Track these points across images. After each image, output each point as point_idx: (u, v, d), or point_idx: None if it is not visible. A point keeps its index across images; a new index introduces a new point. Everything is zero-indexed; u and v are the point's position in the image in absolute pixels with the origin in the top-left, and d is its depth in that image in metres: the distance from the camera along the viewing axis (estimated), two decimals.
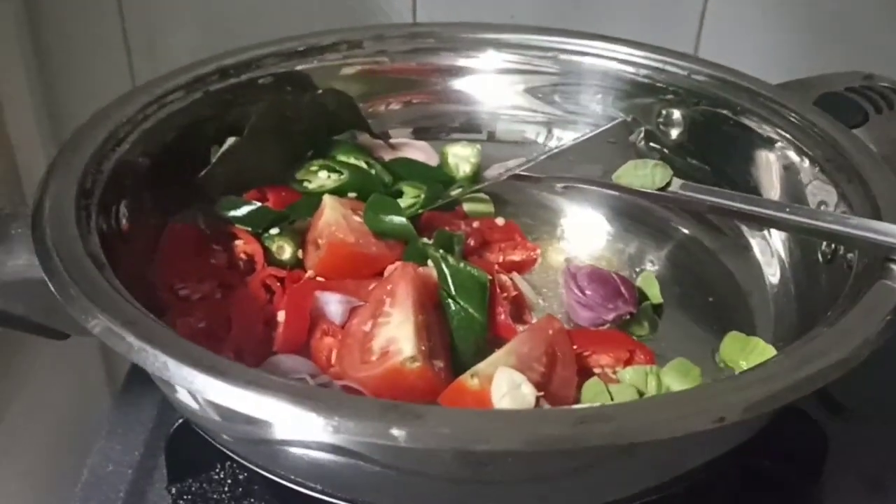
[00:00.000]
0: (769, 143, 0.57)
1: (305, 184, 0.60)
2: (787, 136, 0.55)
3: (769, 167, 0.57)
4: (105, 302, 0.38)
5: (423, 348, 0.44)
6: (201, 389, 0.34)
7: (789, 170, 0.55)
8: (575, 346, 0.48)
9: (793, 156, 0.55)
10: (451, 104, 0.65)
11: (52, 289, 0.40)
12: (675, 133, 0.62)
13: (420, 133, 0.65)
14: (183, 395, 0.41)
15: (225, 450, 0.43)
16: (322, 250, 0.53)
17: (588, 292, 0.52)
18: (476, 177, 0.63)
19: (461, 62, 0.65)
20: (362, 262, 0.53)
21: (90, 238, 0.44)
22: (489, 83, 0.65)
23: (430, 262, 0.51)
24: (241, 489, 0.49)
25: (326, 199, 0.55)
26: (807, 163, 0.54)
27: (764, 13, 0.73)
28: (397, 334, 0.45)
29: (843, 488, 0.51)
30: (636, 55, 0.62)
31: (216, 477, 0.49)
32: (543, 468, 0.37)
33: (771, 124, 0.56)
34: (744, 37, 0.74)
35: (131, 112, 0.54)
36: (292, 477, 0.41)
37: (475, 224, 0.59)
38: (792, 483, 0.50)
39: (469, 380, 0.42)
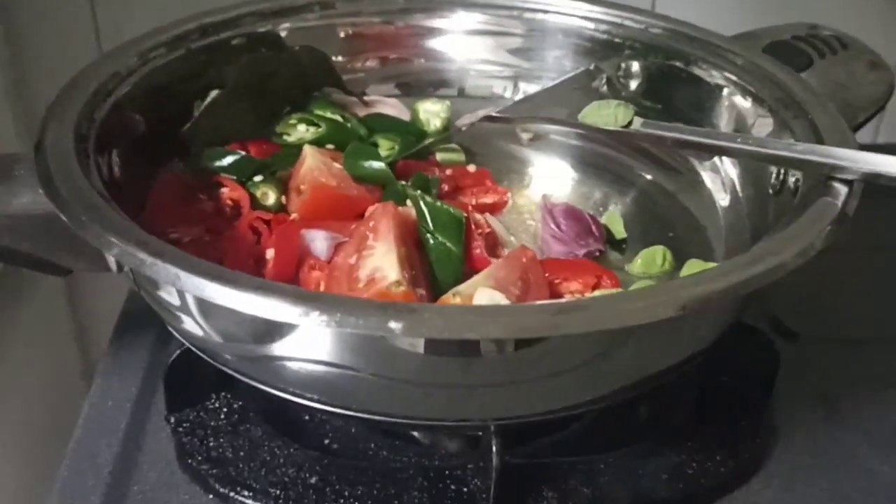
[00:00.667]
0: (719, 89, 0.61)
1: (285, 137, 0.63)
2: (738, 80, 0.59)
3: (720, 110, 0.61)
4: (117, 226, 0.41)
5: (406, 275, 0.47)
6: (213, 296, 0.37)
7: (738, 111, 0.59)
8: (546, 274, 0.52)
9: (740, 99, 0.59)
10: (422, 62, 0.68)
11: (64, 218, 0.42)
12: (633, 84, 0.66)
13: (392, 90, 0.68)
14: (188, 321, 0.43)
15: (225, 368, 0.46)
16: (305, 194, 0.56)
17: (563, 227, 0.56)
18: (446, 131, 0.66)
19: (431, 22, 0.68)
20: (344, 204, 0.56)
21: (92, 175, 0.46)
22: (458, 42, 0.68)
23: (408, 203, 0.55)
24: (236, 416, 0.51)
25: (307, 148, 0.58)
26: (754, 103, 0.58)
27: None
28: (381, 263, 0.48)
29: (794, 401, 0.55)
30: (596, 11, 0.66)
31: (212, 406, 0.52)
32: (522, 368, 0.40)
33: (721, 71, 0.60)
34: None
35: (119, 67, 0.56)
36: (291, 389, 0.44)
37: (448, 171, 0.63)
38: (747, 396, 0.54)
39: (451, 298, 0.46)
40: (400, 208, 0.54)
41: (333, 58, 0.66)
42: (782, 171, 0.53)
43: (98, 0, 0.79)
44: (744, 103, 0.59)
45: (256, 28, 0.64)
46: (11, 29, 0.79)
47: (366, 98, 0.67)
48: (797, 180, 0.51)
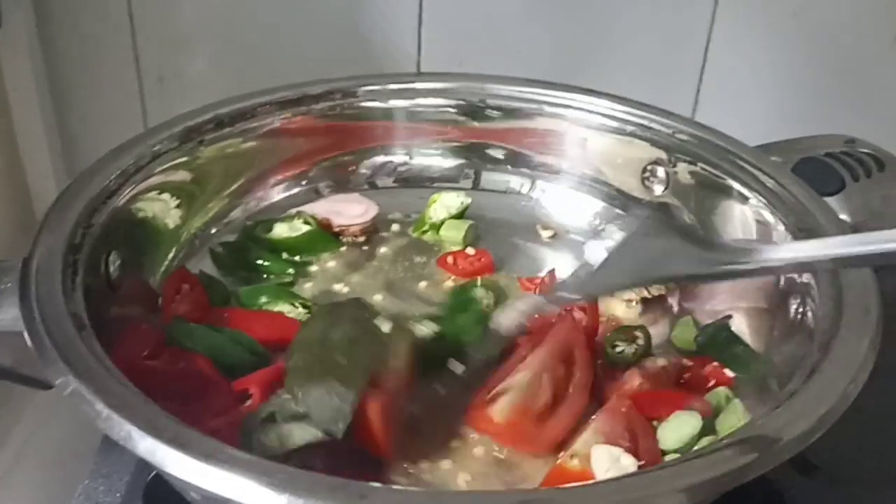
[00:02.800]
0: (745, 204, 0.58)
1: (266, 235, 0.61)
2: (763, 199, 0.56)
3: (745, 225, 0.58)
4: (77, 364, 0.40)
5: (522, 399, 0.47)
6: (164, 462, 0.36)
7: (763, 229, 0.56)
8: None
9: (766, 218, 0.56)
10: (438, 153, 0.67)
11: (32, 348, 0.42)
12: (658, 189, 0.63)
13: (407, 182, 0.67)
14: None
15: None
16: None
17: None
18: (440, 225, 0.64)
19: (449, 113, 0.66)
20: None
21: (74, 296, 0.46)
22: (476, 134, 0.66)
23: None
24: None
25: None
26: (781, 227, 0.55)
27: (761, 74, 0.75)
28: (510, 384, 0.48)
29: None
30: (621, 111, 0.63)
31: None
32: None
33: (748, 187, 0.57)
34: (742, 94, 0.75)
35: (126, 163, 0.56)
36: None
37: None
38: None
39: (569, 461, 0.44)
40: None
41: (346, 151, 0.64)
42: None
43: (141, 45, 0.80)
44: (769, 222, 0.56)
45: (274, 120, 0.63)
46: (53, 75, 0.80)
47: (329, 197, 0.65)
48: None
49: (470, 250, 0.62)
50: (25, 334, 0.43)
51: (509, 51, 0.77)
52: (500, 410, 0.47)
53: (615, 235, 0.57)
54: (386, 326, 0.50)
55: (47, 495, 0.61)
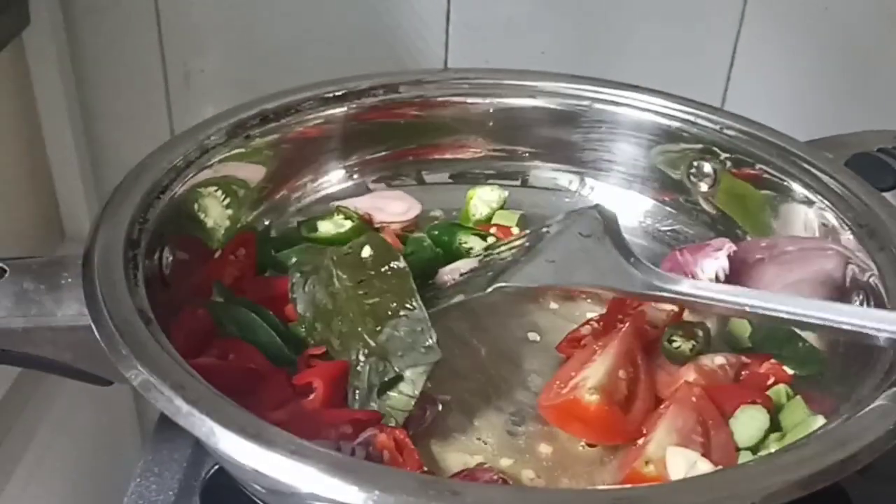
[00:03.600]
0: (797, 201, 0.57)
1: (311, 233, 0.61)
2: (819, 196, 0.56)
3: (798, 224, 0.58)
4: (151, 360, 0.40)
5: (607, 388, 0.47)
6: (246, 458, 0.35)
7: (817, 227, 0.56)
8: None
9: (820, 215, 0.56)
10: (485, 150, 0.66)
11: (104, 346, 0.41)
12: (704, 186, 0.63)
13: (454, 178, 0.66)
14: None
15: (258, 500, 0.44)
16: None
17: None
18: (489, 220, 0.64)
19: (495, 109, 0.66)
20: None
21: (137, 291, 0.45)
22: (523, 130, 0.66)
23: None
24: None
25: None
26: (835, 222, 0.55)
27: (791, 69, 0.75)
28: (590, 373, 0.48)
29: None
30: (669, 107, 0.63)
31: None
32: None
33: (803, 184, 0.57)
34: (772, 91, 0.75)
35: (176, 158, 0.55)
36: None
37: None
38: None
39: (644, 467, 0.44)
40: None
41: (391, 147, 0.64)
42: None
43: (167, 44, 0.80)
44: (824, 220, 0.56)
45: (318, 113, 0.63)
46: (79, 75, 0.79)
47: (371, 193, 0.65)
48: None
49: (515, 230, 0.62)
50: (94, 330, 0.42)
51: (534, 49, 0.77)
52: (592, 395, 0.47)
53: None
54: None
55: (76, 490, 0.61)
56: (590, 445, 0.49)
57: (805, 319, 0.45)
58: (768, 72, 0.77)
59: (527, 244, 0.55)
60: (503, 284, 0.51)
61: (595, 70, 0.71)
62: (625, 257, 0.51)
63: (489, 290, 0.51)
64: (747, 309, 0.47)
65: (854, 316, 0.44)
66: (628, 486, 0.43)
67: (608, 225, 0.54)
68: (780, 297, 0.47)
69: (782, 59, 0.77)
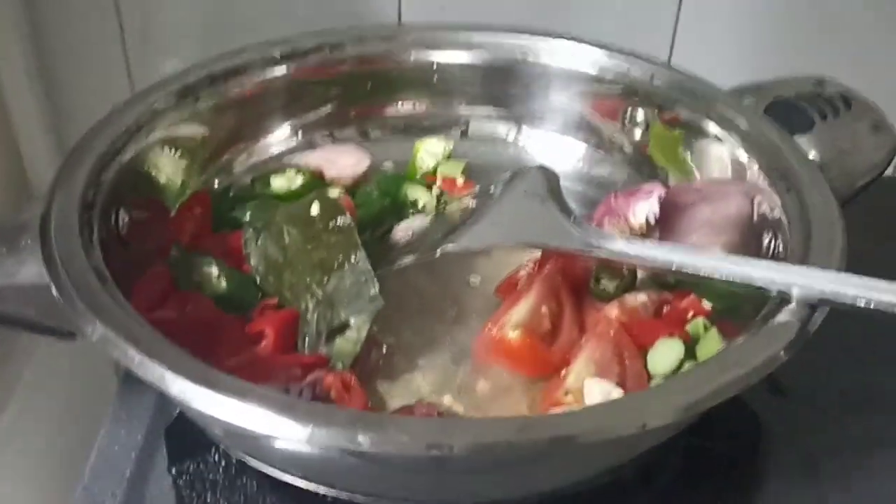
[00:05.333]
0: (720, 145, 0.61)
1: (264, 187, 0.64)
2: (739, 142, 0.60)
3: (720, 166, 0.61)
4: (106, 315, 0.43)
5: (528, 324, 0.51)
6: (194, 401, 0.39)
7: (737, 169, 0.60)
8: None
9: (741, 158, 0.60)
10: (424, 103, 0.69)
11: (62, 304, 0.45)
12: (638, 133, 0.66)
13: (398, 132, 0.69)
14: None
15: (216, 441, 0.48)
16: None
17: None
18: (435, 171, 0.67)
19: (434, 62, 0.68)
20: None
21: (93, 251, 0.48)
22: (460, 83, 0.68)
23: None
24: (234, 470, 0.54)
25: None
26: (751, 167, 0.58)
27: (737, 16, 0.77)
28: (514, 311, 0.53)
29: (779, 465, 0.56)
30: (602, 56, 0.66)
31: (212, 459, 0.55)
32: (500, 463, 0.42)
33: (722, 129, 0.60)
34: (718, 37, 0.77)
35: (128, 122, 0.58)
36: (275, 465, 0.46)
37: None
38: (732, 461, 0.56)
39: (563, 397, 0.48)
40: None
41: (337, 104, 0.67)
42: None
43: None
44: (739, 163, 0.59)
45: (264, 75, 0.65)
46: (37, 32, 0.80)
47: (323, 147, 0.67)
48: None
49: (460, 180, 0.66)
50: (53, 289, 0.45)
51: (487, 3, 0.79)
52: (514, 331, 0.51)
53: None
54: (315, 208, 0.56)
55: (64, 440, 0.64)
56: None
57: (718, 275, 0.50)
58: (715, 19, 0.79)
59: (474, 203, 0.59)
60: (451, 246, 0.54)
61: (547, 15, 0.73)
62: (565, 216, 0.55)
63: (438, 252, 0.54)
64: (673, 267, 0.51)
65: (764, 270, 0.48)
66: (537, 415, 0.47)
67: (550, 184, 0.57)
68: (702, 256, 0.51)
69: (728, 5, 0.79)
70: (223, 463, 0.54)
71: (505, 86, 0.68)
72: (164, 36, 0.82)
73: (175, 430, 0.55)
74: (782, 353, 0.43)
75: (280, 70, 0.65)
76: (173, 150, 0.61)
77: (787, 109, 0.61)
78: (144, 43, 0.83)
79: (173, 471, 0.54)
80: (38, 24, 0.81)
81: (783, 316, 0.45)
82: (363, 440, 0.37)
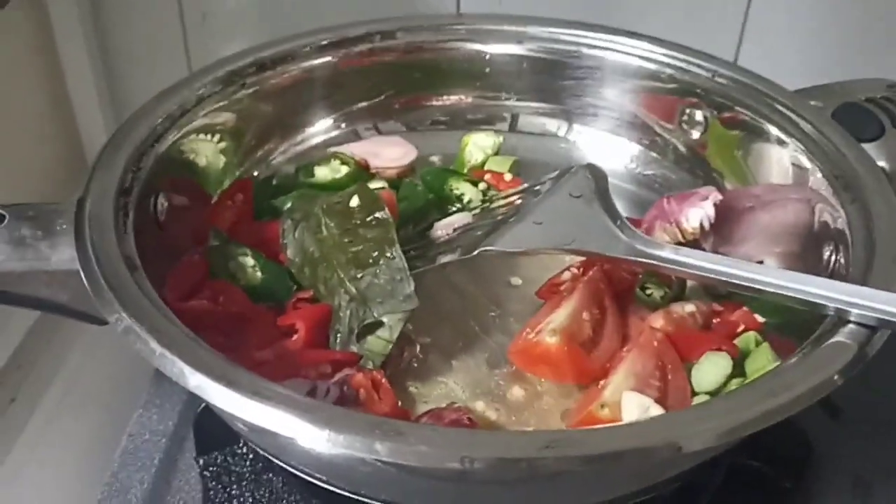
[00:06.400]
0: (783, 149, 0.58)
1: (308, 178, 0.63)
2: (801, 144, 0.56)
3: (781, 171, 0.58)
4: (132, 306, 0.43)
5: (567, 330, 0.49)
6: (213, 397, 0.38)
7: (799, 175, 0.57)
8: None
9: (803, 163, 0.56)
10: (472, 95, 0.67)
11: (89, 291, 0.44)
12: (696, 133, 0.63)
13: (445, 124, 0.67)
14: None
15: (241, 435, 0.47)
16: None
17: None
18: (483, 166, 0.65)
19: (487, 54, 0.66)
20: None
21: (126, 238, 0.48)
22: (511, 75, 0.66)
23: None
24: (260, 464, 0.53)
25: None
26: (815, 172, 0.55)
27: (805, 17, 0.74)
28: (554, 316, 0.51)
29: (828, 487, 0.53)
30: (661, 53, 0.63)
31: (239, 451, 0.54)
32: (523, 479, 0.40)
33: (786, 133, 0.57)
34: (787, 38, 0.74)
35: (171, 107, 0.57)
36: (296, 466, 0.45)
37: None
38: (778, 482, 0.53)
39: (600, 410, 0.46)
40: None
41: (385, 93, 0.65)
42: None
43: None
44: (801, 168, 0.56)
45: (312, 61, 0.64)
46: (99, 19, 0.81)
47: (366, 139, 0.66)
48: None
49: (508, 176, 0.64)
50: (82, 275, 0.45)
51: None
52: (552, 337, 0.49)
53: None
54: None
55: (99, 424, 0.64)
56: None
57: (773, 290, 0.46)
58: (783, 19, 0.76)
59: (519, 201, 0.57)
60: (489, 248, 0.52)
61: (609, 11, 0.71)
62: (612, 219, 0.52)
63: (475, 252, 0.52)
64: (724, 280, 0.48)
65: (821, 287, 0.45)
66: (564, 429, 0.45)
67: (598, 185, 0.55)
68: (755, 270, 0.48)
69: (796, 6, 0.76)
70: (251, 456, 0.54)
71: (557, 80, 0.66)
72: (223, 20, 0.82)
73: (204, 420, 0.54)
74: (836, 377, 0.40)
75: (326, 58, 0.64)
76: (217, 137, 0.60)
77: (855, 114, 0.58)
78: (204, 26, 0.83)
79: (200, 462, 0.54)
80: (99, 7, 0.81)
81: (840, 337, 0.42)
82: (380, 448, 0.36)
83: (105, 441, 0.59)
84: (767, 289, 0.46)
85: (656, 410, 0.45)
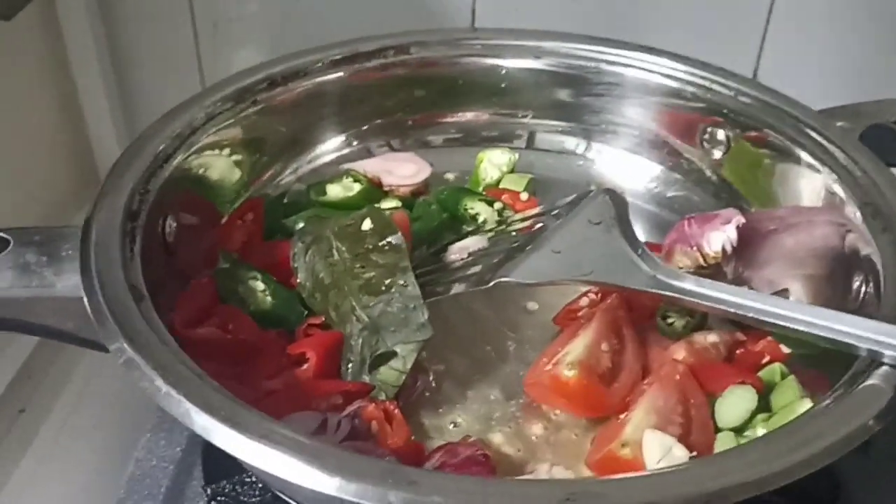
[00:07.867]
0: (811, 172, 0.56)
1: (320, 197, 0.62)
2: (828, 169, 0.55)
3: (808, 194, 0.57)
4: (136, 340, 0.41)
5: (586, 363, 0.48)
6: (218, 440, 0.37)
7: (825, 198, 0.55)
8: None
9: (830, 187, 0.55)
10: (488, 112, 0.66)
11: (93, 321, 0.43)
12: (718, 153, 0.62)
13: (460, 141, 0.66)
14: None
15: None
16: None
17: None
18: (498, 183, 0.64)
19: (503, 69, 0.65)
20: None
21: (133, 266, 0.46)
22: (528, 91, 0.65)
23: None
24: (270, 493, 0.52)
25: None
26: (843, 197, 0.53)
27: (825, 34, 0.72)
28: (571, 348, 0.49)
29: None
30: (682, 70, 0.62)
31: (248, 480, 0.53)
32: None
33: (813, 156, 0.56)
34: (806, 55, 0.72)
35: (180, 126, 0.56)
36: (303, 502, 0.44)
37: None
38: None
39: (620, 449, 0.44)
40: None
41: (399, 108, 0.64)
42: None
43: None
44: (831, 194, 0.54)
45: (324, 76, 0.63)
46: (111, 27, 0.80)
47: (379, 155, 0.65)
48: None
49: (524, 195, 0.62)
50: (87, 306, 0.44)
51: (565, 6, 0.75)
52: (570, 371, 0.48)
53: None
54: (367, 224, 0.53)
55: (107, 438, 0.63)
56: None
57: (801, 327, 0.45)
58: (803, 37, 0.74)
59: (536, 225, 0.55)
60: (504, 279, 0.50)
61: (627, 27, 0.69)
62: (632, 248, 0.51)
63: (491, 284, 0.50)
64: (749, 314, 0.46)
65: (852, 326, 0.43)
66: (584, 478, 0.43)
67: (618, 211, 0.53)
68: (780, 304, 0.47)
69: (816, 23, 0.74)
70: (259, 485, 0.52)
71: (575, 96, 0.64)
72: (235, 29, 0.81)
73: (212, 447, 0.52)
74: (871, 422, 0.39)
75: (339, 74, 0.62)
76: (227, 154, 0.59)
77: (885, 136, 0.56)
78: (216, 36, 0.82)
79: (208, 491, 0.52)
80: (111, 20, 0.80)
81: (874, 380, 0.40)
82: (394, 499, 0.34)
83: (113, 456, 0.59)
84: (796, 326, 0.45)
85: (679, 450, 0.43)
